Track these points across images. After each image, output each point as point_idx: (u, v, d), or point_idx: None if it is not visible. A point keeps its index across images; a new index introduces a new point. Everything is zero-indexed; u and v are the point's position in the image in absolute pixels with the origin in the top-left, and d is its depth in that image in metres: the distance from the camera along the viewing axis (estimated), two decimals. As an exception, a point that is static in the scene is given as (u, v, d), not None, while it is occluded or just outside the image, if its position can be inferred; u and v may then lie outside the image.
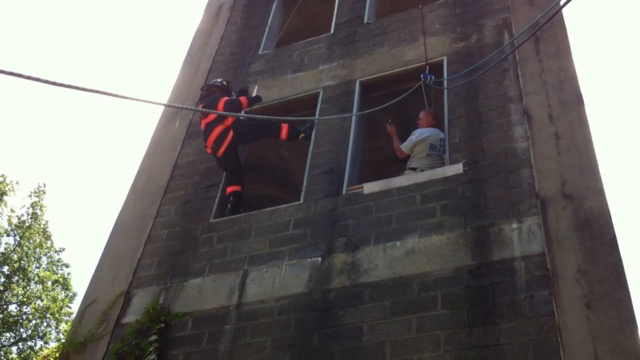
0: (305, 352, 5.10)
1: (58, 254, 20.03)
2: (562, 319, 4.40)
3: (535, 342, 4.38)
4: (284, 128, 7.47)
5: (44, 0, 39.90)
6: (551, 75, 6.21)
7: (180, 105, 8.07)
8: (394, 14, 8.35)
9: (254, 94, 7.62)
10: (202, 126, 7.42)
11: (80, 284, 24.91)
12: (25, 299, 18.59)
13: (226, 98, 7.42)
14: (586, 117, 5.68)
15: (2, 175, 19.39)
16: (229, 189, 7.20)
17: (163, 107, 8.46)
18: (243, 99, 7.45)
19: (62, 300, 19.53)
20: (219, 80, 7.88)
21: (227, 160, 7.34)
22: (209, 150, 7.34)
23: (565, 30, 6.64)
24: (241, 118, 7.32)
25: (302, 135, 7.34)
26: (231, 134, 7.26)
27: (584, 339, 4.25)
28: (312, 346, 5.11)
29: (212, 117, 7.29)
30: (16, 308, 18.61)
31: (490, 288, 4.82)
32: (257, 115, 6.67)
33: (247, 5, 10.02)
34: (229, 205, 7.03)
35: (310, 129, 7.26)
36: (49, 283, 19.32)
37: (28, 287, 18.87)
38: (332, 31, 8.53)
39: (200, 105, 7.46)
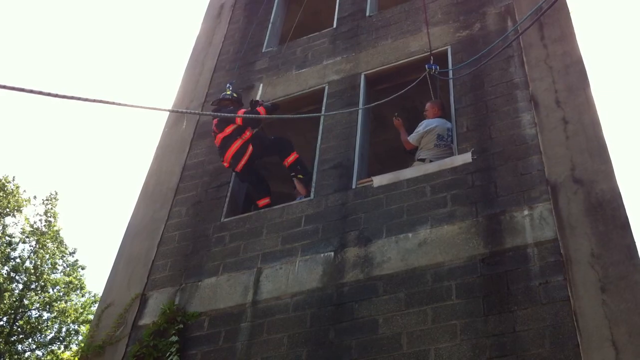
0: (322, 347, 5.13)
1: (72, 256, 20.16)
2: (578, 304, 4.40)
3: (551, 328, 4.39)
4: (293, 156, 7.32)
5: (47, 7, 40.04)
6: (556, 60, 6.19)
7: (186, 110, 7.99)
8: (395, 5, 8.33)
9: (258, 95, 7.56)
10: (218, 142, 7.19)
11: (95, 287, 25.14)
12: (42, 307, 18.72)
13: (244, 110, 7.19)
14: (593, 100, 5.65)
15: (16, 185, 19.48)
16: (260, 204, 7.01)
17: (170, 108, 8.46)
18: (261, 109, 7.13)
19: (81, 305, 19.69)
20: (228, 92, 7.60)
21: (247, 175, 7.19)
22: (226, 165, 7.15)
23: (569, 14, 6.60)
24: (250, 123, 7.17)
25: (301, 176, 7.17)
26: (250, 147, 7.10)
27: (600, 323, 4.25)
28: (329, 341, 5.14)
29: (229, 131, 7.08)
30: (36, 314, 18.78)
31: (504, 276, 4.82)
32: (261, 116, 6.63)
33: (249, 4, 10.02)
34: None
35: (310, 178, 6.87)
36: (63, 286, 19.46)
37: (46, 293, 19.01)
38: (334, 25, 8.53)
39: (215, 122, 7.21)
